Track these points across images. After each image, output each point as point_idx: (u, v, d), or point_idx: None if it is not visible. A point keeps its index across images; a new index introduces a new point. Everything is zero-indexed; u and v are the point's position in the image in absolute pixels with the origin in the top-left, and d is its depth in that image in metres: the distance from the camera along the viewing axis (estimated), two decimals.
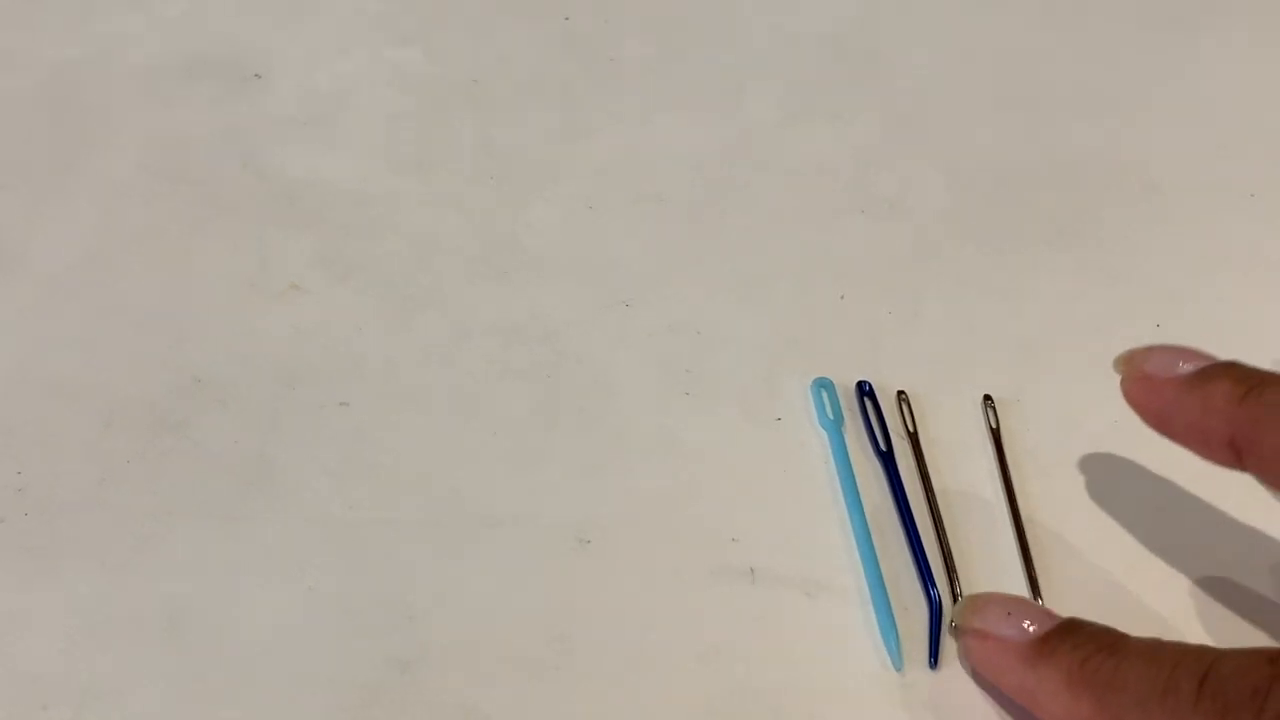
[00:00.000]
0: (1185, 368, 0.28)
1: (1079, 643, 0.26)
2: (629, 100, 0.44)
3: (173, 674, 0.29)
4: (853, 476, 0.33)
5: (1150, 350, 0.29)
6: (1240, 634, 0.30)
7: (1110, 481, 0.33)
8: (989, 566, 0.31)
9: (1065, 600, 0.31)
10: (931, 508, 0.32)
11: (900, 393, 0.35)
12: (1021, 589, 0.31)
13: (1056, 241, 0.40)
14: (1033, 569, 0.31)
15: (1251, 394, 0.27)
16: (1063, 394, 0.35)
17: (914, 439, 0.34)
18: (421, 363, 0.36)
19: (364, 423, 0.34)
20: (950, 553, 0.31)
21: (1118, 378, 0.35)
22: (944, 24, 0.48)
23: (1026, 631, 0.27)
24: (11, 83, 0.43)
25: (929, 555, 0.31)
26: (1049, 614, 0.27)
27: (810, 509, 0.33)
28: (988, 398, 0.35)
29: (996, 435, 0.34)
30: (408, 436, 0.34)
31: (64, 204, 0.40)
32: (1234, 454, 0.27)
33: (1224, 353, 0.36)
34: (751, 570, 0.31)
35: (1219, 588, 0.31)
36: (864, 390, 0.35)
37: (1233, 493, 0.32)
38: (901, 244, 0.40)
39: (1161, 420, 0.29)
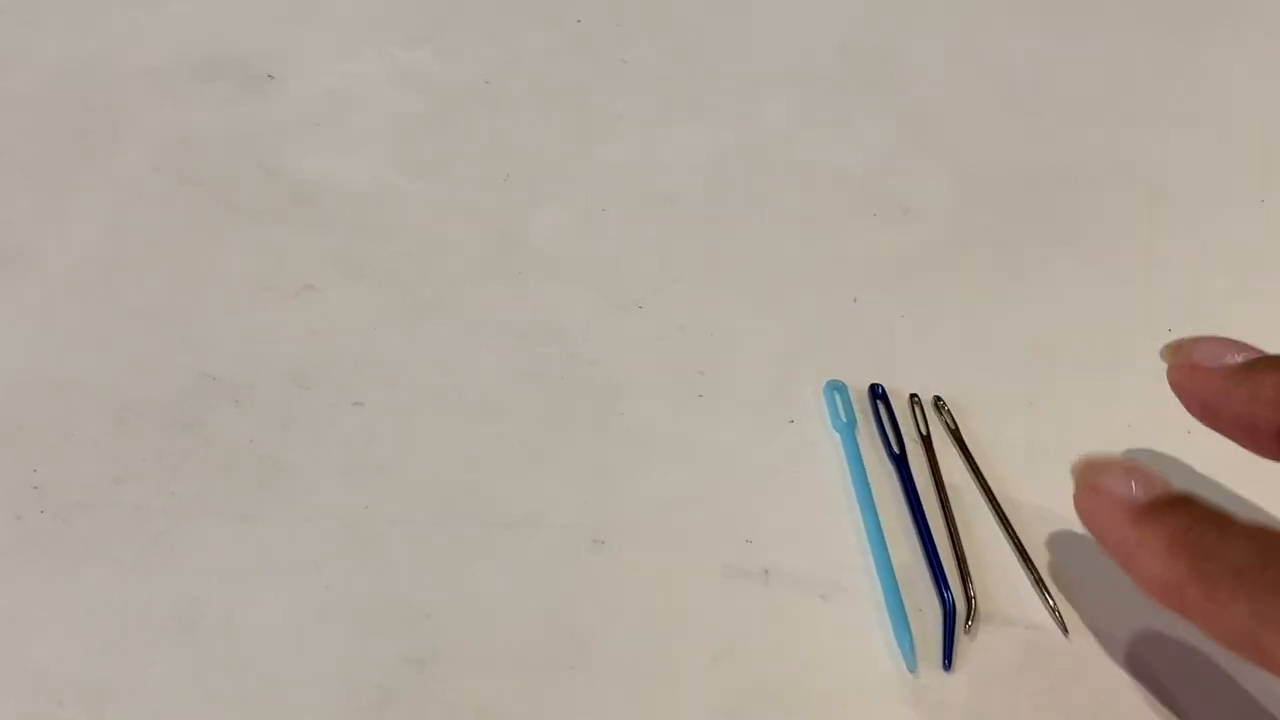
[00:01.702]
0: (1234, 358, 0.28)
1: (1189, 510, 0.26)
2: (641, 103, 0.44)
3: (187, 672, 0.29)
4: (866, 479, 0.33)
5: (1199, 340, 0.29)
6: None
7: None
8: (1002, 567, 0.31)
9: (1076, 599, 0.31)
10: (945, 510, 0.32)
11: (913, 395, 0.35)
12: (1027, 588, 0.31)
13: (1068, 245, 0.40)
14: (1035, 569, 0.31)
15: None
16: (1075, 396, 0.35)
17: (927, 441, 0.34)
18: (435, 363, 0.36)
19: (377, 423, 0.34)
20: (964, 555, 0.31)
21: (1130, 380, 0.35)
22: (956, 30, 0.48)
23: (1140, 494, 0.26)
24: (25, 82, 0.44)
25: (948, 555, 0.31)
26: (1167, 484, 0.27)
27: (824, 511, 0.33)
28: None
29: (956, 437, 0.34)
30: (421, 437, 0.34)
31: (77, 203, 0.40)
32: None
33: None
34: (765, 571, 0.31)
35: None
36: (877, 393, 0.35)
37: (1256, 489, 0.32)
38: (914, 247, 0.40)
39: (1207, 410, 0.29)
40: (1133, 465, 0.27)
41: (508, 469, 0.33)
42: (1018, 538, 0.32)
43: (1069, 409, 0.35)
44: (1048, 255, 0.40)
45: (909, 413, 0.35)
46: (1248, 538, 0.24)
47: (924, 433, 0.34)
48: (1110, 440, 0.34)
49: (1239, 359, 0.28)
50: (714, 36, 0.47)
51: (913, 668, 0.29)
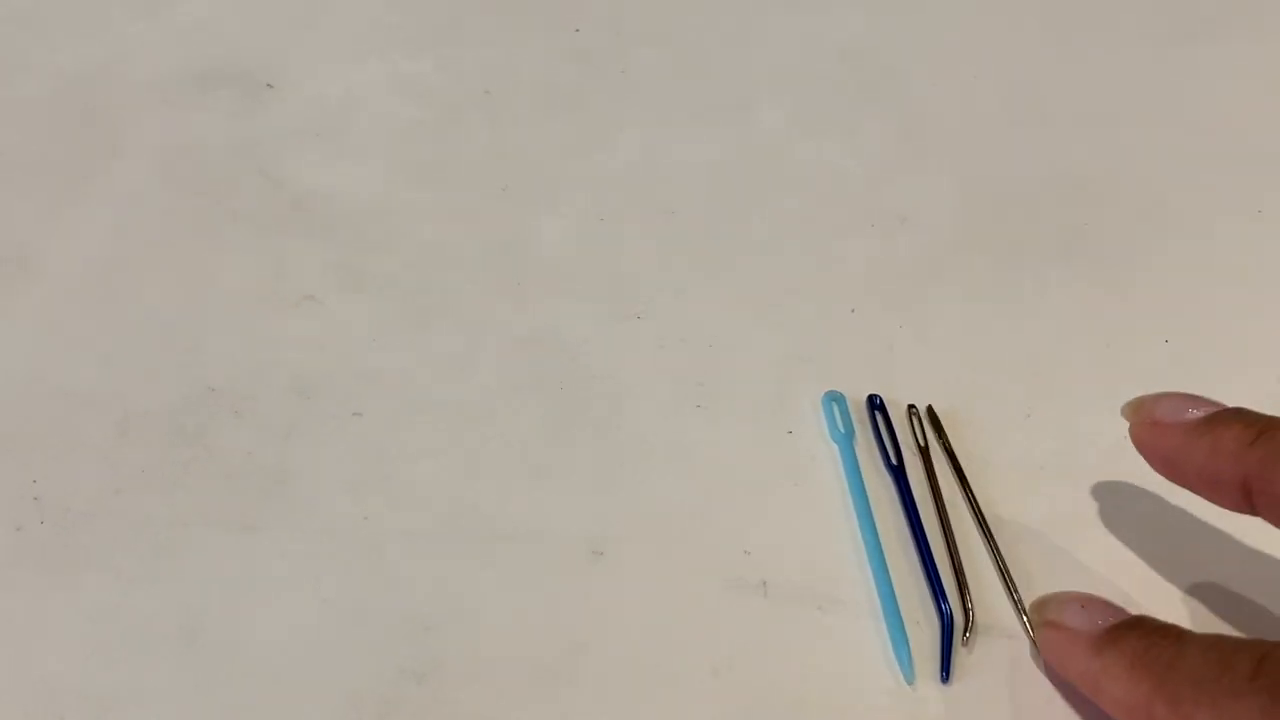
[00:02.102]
0: (1194, 414, 0.29)
1: (1144, 633, 0.27)
2: (640, 112, 0.45)
3: (188, 684, 0.29)
4: (864, 490, 0.33)
5: (1159, 397, 0.30)
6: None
7: (1120, 496, 0.34)
8: (999, 580, 0.32)
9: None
10: (943, 522, 0.32)
11: (910, 407, 0.35)
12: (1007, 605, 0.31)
13: (1066, 256, 0.40)
14: (1009, 576, 0.31)
15: (1262, 437, 0.27)
16: (1074, 408, 0.36)
17: (925, 453, 0.34)
18: (435, 374, 0.36)
19: (378, 433, 0.34)
20: (961, 567, 0.31)
21: (1129, 391, 0.35)
22: (955, 40, 0.48)
23: (1096, 624, 0.28)
24: (26, 92, 0.44)
25: (946, 567, 0.31)
26: (1119, 610, 0.28)
27: (822, 522, 0.33)
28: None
29: (943, 452, 0.34)
30: (422, 447, 0.34)
31: (79, 213, 0.40)
32: (1245, 498, 0.27)
33: (1232, 368, 0.37)
34: (764, 583, 0.31)
35: (1227, 604, 0.31)
36: (875, 404, 0.35)
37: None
38: (912, 258, 0.40)
39: (1170, 466, 0.29)
40: (1086, 597, 0.29)
41: (507, 480, 0.33)
42: (998, 550, 0.32)
43: (1067, 420, 0.35)
44: (1047, 266, 0.40)
45: (906, 424, 0.35)
46: (1204, 649, 0.25)
47: (922, 444, 0.34)
48: (1108, 453, 0.34)
49: (1199, 414, 0.29)
50: (713, 45, 0.47)
51: (910, 679, 0.30)
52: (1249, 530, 0.32)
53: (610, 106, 0.45)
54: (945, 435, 0.34)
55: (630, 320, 0.38)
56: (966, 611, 0.31)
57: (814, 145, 0.44)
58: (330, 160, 0.42)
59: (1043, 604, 0.29)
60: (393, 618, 0.31)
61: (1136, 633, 0.27)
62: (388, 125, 0.44)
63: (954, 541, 0.32)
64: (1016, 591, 0.31)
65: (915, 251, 0.40)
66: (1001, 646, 0.30)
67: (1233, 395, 0.36)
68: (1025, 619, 0.30)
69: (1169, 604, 0.31)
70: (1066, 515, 0.33)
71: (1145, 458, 0.30)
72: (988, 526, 0.32)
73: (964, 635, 0.30)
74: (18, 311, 0.37)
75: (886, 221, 0.41)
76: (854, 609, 0.31)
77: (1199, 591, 0.32)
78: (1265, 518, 0.28)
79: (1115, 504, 0.33)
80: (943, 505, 0.33)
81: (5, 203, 0.40)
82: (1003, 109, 0.45)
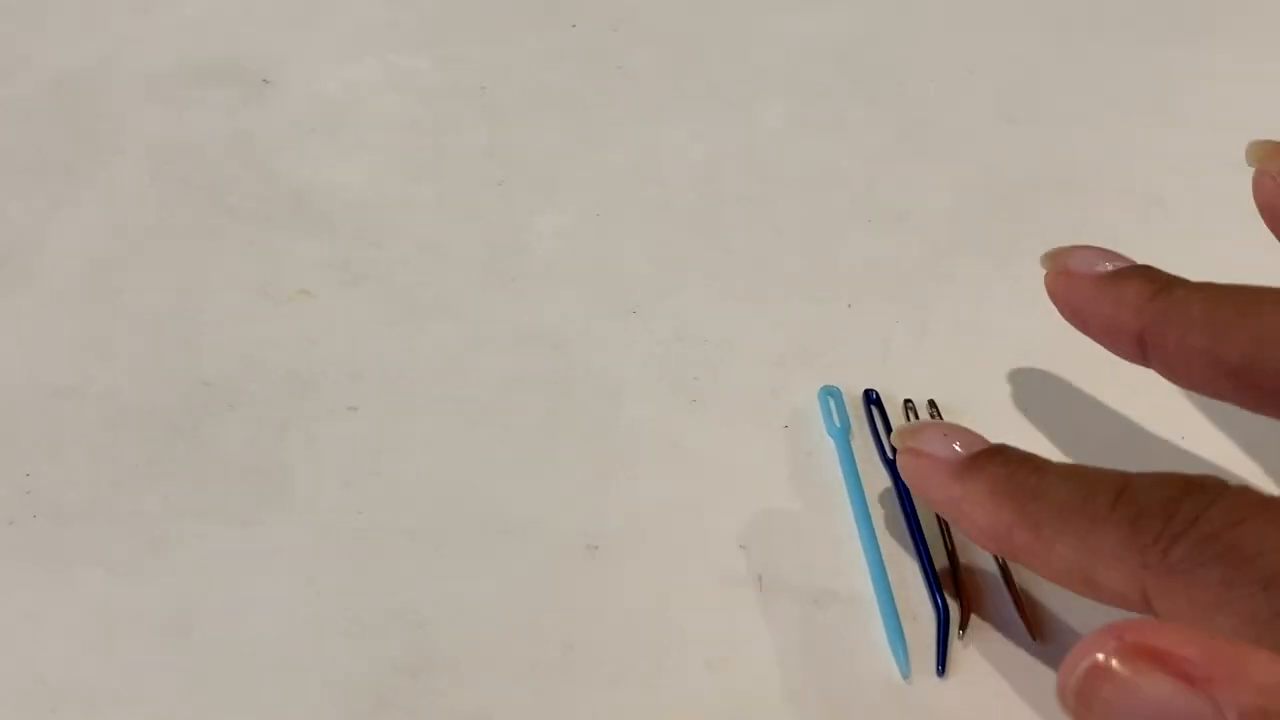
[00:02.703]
0: (1104, 267, 0.30)
1: (1005, 460, 0.27)
2: (637, 108, 0.45)
3: (181, 677, 0.29)
4: (860, 485, 0.33)
5: (1074, 249, 0.31)
6: None
7: None
8: (996, 574, 0.31)
9: (1072, 606, 0.31)
10: (939, 516, 0.32)
11: (907, 401, 0.35)
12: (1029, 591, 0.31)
13: None
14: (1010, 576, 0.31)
15: (1161, 293, 0.28)
16: (1069, 404, 0.36)
17: None
18: (430, 369, 0.36)
19: (373, 428, 0.34)
20: (958, 561, 0.31)
21: (1125, 387, 0.35)
22: (952, 37, 0.48)
23: (957, 451, 0.28)
24: (21, 87, 0.44)
25: (942, 561, 0.31)
26: (981, 439, 0.28)
27: (818, 517, 0.33)
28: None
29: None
30: (416, 442, 0.34)
31: (74, 208, 0.40)
32: (1140, 350, 0.29)
33: None
34: (759, 577, 0.31)
35: None
36: (871, 399, 0.35)
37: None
38: (909, 253, 0.40)
39: (1076, 314, 0.30)
40: (949, 425, 0.29)
41: (502, 475, 0.33)
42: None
43: (1062, 416, 0.35)
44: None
45: (903, 418, 0.35)
46: (1066, 476, 0.26)
47: None
48: (1105, 447, 0.34)
49: (1109, 268, 0.30)
50: (710, 42, 0.47)
51: (907, 674, 0.29)
52: None
53: (607, 103, 0.45)
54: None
55: (626, 315, 0.38)
56: (963, 605, 0.30)
57: (811, 142, 0.44)
58: (326, 156, 0.42)
59: (904, 432, 0.29)
60: (387, 612, 0.30)
61: (998, 460, 0.27)
62: (384, 121, 0.43)
63: (950, 535, 0.32)
64: (1014, 585, 0.31)
65: (912, 247, 0.40)
66: (998, 640, 0.30)
67: None
68: (1022, 613, 0.30)
69: None
70: None
71: (1055, 305, 0.31)
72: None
73: (959, 630, 0.30)
74: (13, 305, 0.37)
75: (883, 217, 0.41)
76: (850, 603, 0.31)
77: None
78: (1156, 369, 0.29)
79: None
80: None
81: (1, 199, 0.40)
82: (1000, 106, 0.45)
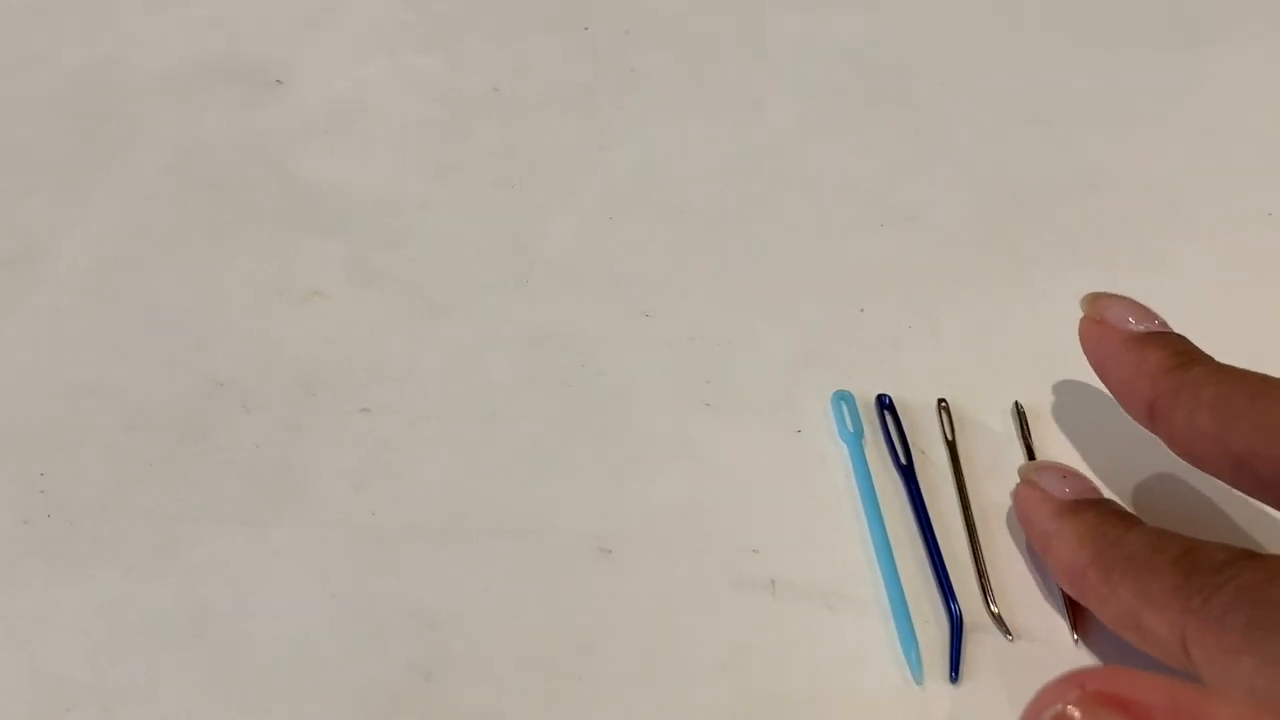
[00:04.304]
0: (1137, 326, 0.31)
1: (1101, 512, 0.29)
2: (650, 110, 0.44)
3: (195, 678, 0.29)
4: (873, 489, 0.33)
5: (1114, 299, 0.32)
6: None
7: (1134, 493, 0.33)
8: (1016, 576, 0.31)
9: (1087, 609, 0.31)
10: (966, 518, 0.32)
11: (940, 400, 0.35)
12: (1040, 596, 0.31)
13: (1075, 256, 0.40)
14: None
15: (1179, 368, 0.29)
16: (1084, 408, 0.35)
17: (951, 447, 0.34)
18: (443, 370, 0.36)
19: (386, 429, 0.34)
20: (983, 564, 0.31)
21: None
22: (964, 39, 0.48)
23: (1065, 492, 0.30)
24: (36, 85, 0.44)
25: (955, 566, 0.31)
26: (1093, 489, 0.31)
27: (831, 521, 0.33)
28: (1017, 404, 0.35)
29: (1025, 438, 0.34)
30: (429, 443, 0.34)
31: (88, 207, 0.40)
32: (1150, 416, 0.30)
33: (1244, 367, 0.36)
34: (772, 582, 0.31)
35: None
36: (884, 403, 0.35)
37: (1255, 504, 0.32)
38: (921, 257, 0.40)
39: (1100, 366, 0.32)
40: (1070, 470, 0.31)
41: (515, 476, 0.33)
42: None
43: (1075, 420, 0.35)
44: (1055, 266, 0.40)
45: (929, 420, 0.35)
46: (1145, 533, 0.28)
47: (949, 438, 0.34)
48: (1115, 451, 0.34)
49: (1141, 328, 0.31)
50: (723, 44, 0.47)
51: (919, 679, 0.29)
52: (1253, 518, 0.32)
53: (619, 105, 0.45)
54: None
55: (639, 318, 0.38)
56: (989, 607, 0.31)
57: (823, 144, 0.43)
58: (339, 156, 0.42)
59: (1029, 466, 0.32)
60: (400, 614, 0.30)
61: (1095, 510, 0.29)
62: (397, 121, 0.43)
63: (977, 539, 0.32)
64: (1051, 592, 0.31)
65: (924, 251, 0.40)
66: (1011, 646, 0.30)
67: None
68: (1068, 618, 0.30)
69: None
70: None
71: (1084, 350, 0.32)
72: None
73: (1007, 636, 0.30)
74: (27, 305, 0.37)
75: (896, 221, 0.41)
76: (863, 608, 0.31)
77: None
78: (1161, 438, 0.30)
79: (1131, 499, 0.33)
80: (967, 501, 0.33)
81: (15, 197, 0.40)
82: (1012, 109, 0.45)
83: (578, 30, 0.47)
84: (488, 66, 0.46)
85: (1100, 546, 0.28)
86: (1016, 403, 0.35)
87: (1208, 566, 0.26)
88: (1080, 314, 0.32)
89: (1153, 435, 0.30)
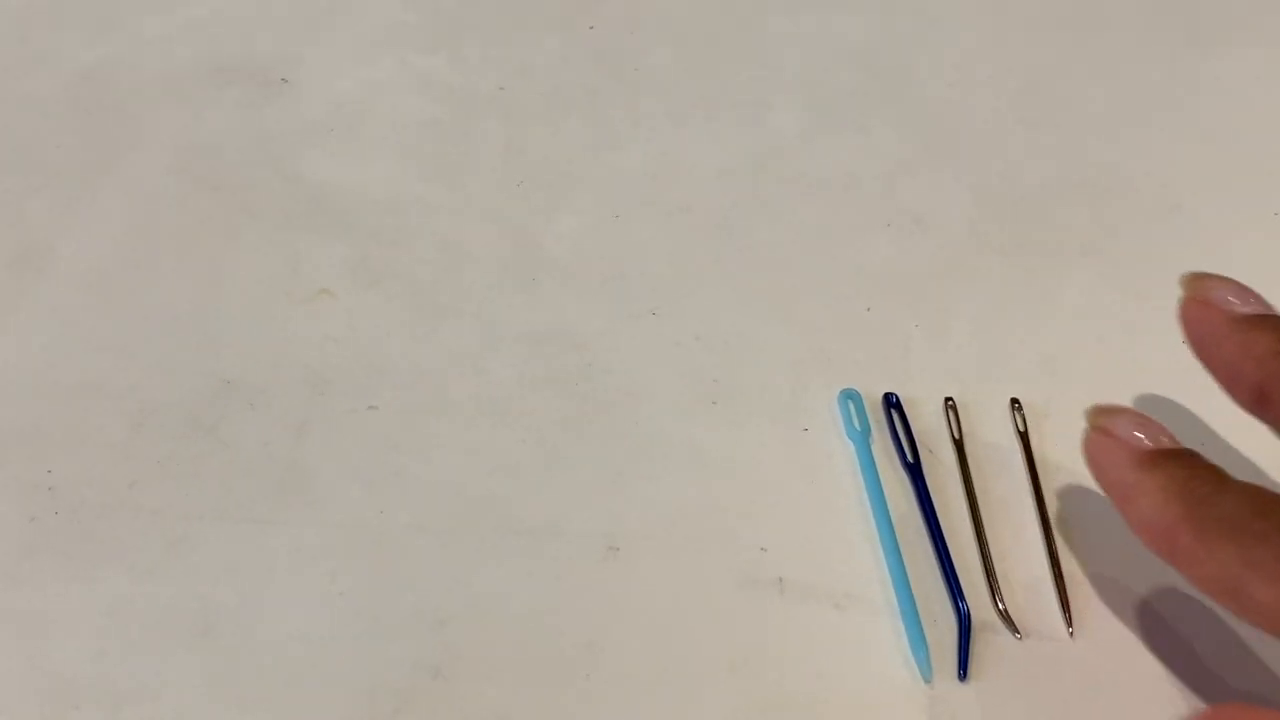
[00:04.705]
0: (1241, 307, 0.29)
1: (1188, 463, 0.27)
2: (655, 110, 0.44)
3: (202, 677, 0.29)
4: (880, 488, 0.33)
5: (1218, 280, 0.30)
6: (1265, 644, 0.30)
7: None
8: (1023, 575, 0.31)
9: (1092, 604, 0.31)
10: (974, 516, 0.32)
11: (948, 399, 0.35)
12: (1051, 595, 0.31)
13: (1081, 256, 0.40)
14: (1060, 575, 0.31)
15: None
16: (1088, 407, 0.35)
17: (959, 446, 0.34)
18: (450, 369, 0.36)
19: (393, 428, 0.34)
20: (991, 561, 0.31)
21: (1144, 391, 0.35)
22: (970, 40, 0.48)
23: (1144, 442, 0.28)
24: (42, 85, 0.44)
25: (963, 564, 0.31)
26: (1173, 438, 0.28)
27: (838, 520, 0.33)
28: (1015, 401, 0.35)
29: (1025, 439, 0.34)
30: (437, 442, 0.34)
31: (95, 206, 0.40)
32: (1258, 402, 0.28)
33: None
34: (780, 580, 0.31)
35: None
36: (891, 402, 0.35)
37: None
38: (927, 257, 0.40)
39: (1203, 348, 0.30)
40: (1145, 417, 0.29)
41: (522, 476, 0.33)
42: (1054, 545, 0.32)
43: (1082, 420, 0.35)
44: (1061, 266, 0.40)
45: (936, 419, 0.35)
46: (1243, 491, 0.26)
47: (957, 437, 0.34)
48: None
49: (1245, 309, 0.29)
50: (728, 44, 0.47)
51: (928, 678, 0.29)
52: None
53: (625, 104, 0.45)
54: (1028, 432, 0.34)
55: (645, 317, 0.38)
56: (997, 604, 0.31)
57: (830, 144, 0.43)
58: (345, 156, 0.42)
59: (1099, 410, 0.30)
60: (407, 612, 0.30)
61: (1181, 460, 0.27)
62: (402, 121, 0.43)
63: (984, 536, 0.32)
64: (1062, 580, 0.31)
65: (931, 251, 0.40)
66: (1020, 644, 0.30)
67: None
68: (1065, 607, 0.30)
69: (1190, 597, 0.31)
70: (1086, 511, 0.33)
71: (1184, 331, 0.30)
72: (1046, 511, 0.33)
73: (1015, 634, 0.30)
74: (35, 304, 0.37)
75: (902, 221, 0.41)
76: (871, 607, 0.31)
77: None
78: (1270, 425, 0.28)
79: None
80: (974, 500, 0.33)
81: (22, 197, 0.40)
82: (1019, 110, 0.45)
83: (583, 30, 0.47)
84: (493, 66, 0.46)
85: (1190, 504, 0.26)
86: (1014, 399, 0.35)
87: None
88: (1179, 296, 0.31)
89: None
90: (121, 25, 0.46)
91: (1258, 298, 0.30)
